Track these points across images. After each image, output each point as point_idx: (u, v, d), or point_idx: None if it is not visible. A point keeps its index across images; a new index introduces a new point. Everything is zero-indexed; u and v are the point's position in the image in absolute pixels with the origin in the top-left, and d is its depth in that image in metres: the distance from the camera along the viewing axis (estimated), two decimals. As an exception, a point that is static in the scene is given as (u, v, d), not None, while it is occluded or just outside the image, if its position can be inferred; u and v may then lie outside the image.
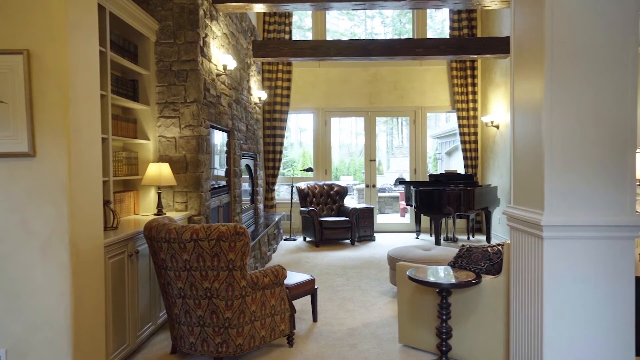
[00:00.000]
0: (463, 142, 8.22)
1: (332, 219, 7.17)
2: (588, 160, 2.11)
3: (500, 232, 7.40)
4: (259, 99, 7.11)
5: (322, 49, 6.86)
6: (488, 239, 7.15)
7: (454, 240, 7.44)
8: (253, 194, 7.11)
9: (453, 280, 2.67)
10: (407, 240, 7.55)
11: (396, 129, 23.76)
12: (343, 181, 10.56)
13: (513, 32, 2.50)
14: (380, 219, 8.79)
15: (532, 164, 2.27)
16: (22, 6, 2.21)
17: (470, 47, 6.84)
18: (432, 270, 2.93)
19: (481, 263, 2.87)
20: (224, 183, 5.32)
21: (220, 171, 5.18)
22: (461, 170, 8.49)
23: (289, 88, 8.06)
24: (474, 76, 8.11)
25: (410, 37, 8.75)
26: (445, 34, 9.09)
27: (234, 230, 2.70)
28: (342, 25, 19.03)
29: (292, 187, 7.87)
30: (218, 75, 4.80)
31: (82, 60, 2.38)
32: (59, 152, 2.21)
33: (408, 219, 8.81)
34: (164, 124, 4.18)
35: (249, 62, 6.62)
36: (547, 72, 2.11)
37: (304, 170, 7.98)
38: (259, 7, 5.07)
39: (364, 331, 3.57)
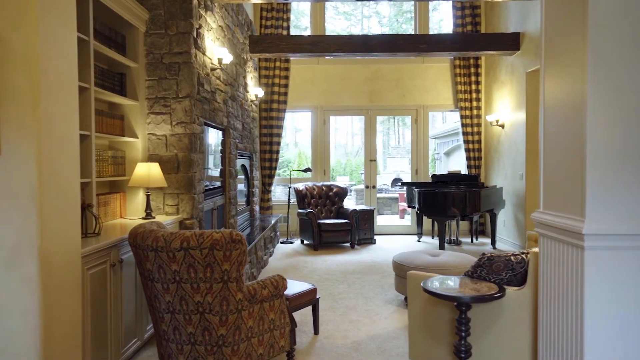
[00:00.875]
0: (466, 141, 7.96)
1: (332, 222, 6.89)
2: (634, 164, 1.85)
3: (504, 235, 7.15)
4: (256, 96, 6.82)
5: (322, 44, 6.59)
6: (493, 242, 6.89)
7: (457, 243, 7.18)
8: (249, 195, 6.81)
9: (474, 293, 2.39)
10: (409, 244, 7.29)
11: (393, 129, 23.56)
12: (340, 182, 10.28)
13: (544, 24, 2.23)
14: (379, 220, 8.52)
15: (569, 167, 2.00)
16: (-14, -18, 1.92)
17: (476, 43, 6.59)
18: (449, 282, 2.65)
19: (502, 273, 2.60)
20: (218, 184, 5.03)
21: (214, 171, 4.89)
22: (463, 170, 8.24)
23: (286, 85, 7.77)
24: (477, 74, 7.85)
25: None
26: (444, 32, 8.83)
27: (229, 237, 2.41)
28: (338, 24, 18.78)
29: (289, 188, 7.59)
30: (213, 69, 4.51)
31: (56, 47, 2.09)
32: (27, 150, 1.91)
33: (409, 220, 8.55)
34: (153, 121, 3.89)
35: (245, 57, 6.33)
36: (591, 69, 1.84)
37: (302, 170, 7.70)
38: (256, -2, 4.80)
39: (369, 345, 3.29)
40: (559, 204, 2.09)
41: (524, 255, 2.56)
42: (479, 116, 7.92)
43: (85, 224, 2.71)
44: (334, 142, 16.78)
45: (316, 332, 3.48)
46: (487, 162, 7.93)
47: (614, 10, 1.83)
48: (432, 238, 7.66)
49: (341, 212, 7.32)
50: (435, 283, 2.61)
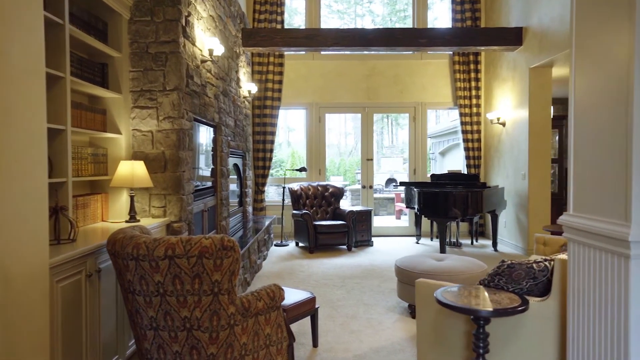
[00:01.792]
0: (465, 140, 7.73)
1: (328, 223, 6.62)
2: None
3: (505, 237, 6.93)
4: (249, 92, 6.53)
5: (318, 38, 6.32)
6: (494, 244, 6.67)
7: (457, 245, 6.94)
8: (241, 195, 6.53)
9: (496, 306, 2.14)
10: (407, 246, 7.04)
11: (386, 129, 23.36)
12: (334, 182, 10.00)
13: (574, 8, 1.98)
14: (375, 221, 8.24)
15: (608, 164, 1.75)
16: None
17: (477, 38, 6.36)
18: (464, 292, 2.40)
19: (523, 282, 2.35)
20: (209, 184, 4.75)
21: (205, 171, 4.60)
22: (462, 170, 8.02)
23: (280, 82, 7.49)
24: (477, 70, 7.63)
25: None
26: (445, 27, 8.59)
27: (220, 244, 2.14)
28: (331, 23, 18.57)
29: (283, 188, 7.31)
30: (203, 61, 4.22)
31: (17, 26, 1.80)
32: (-20, 144, 1.63)
33: (406, 221, 8.30)
34: (138, 116, 3.60)
35: (237, 51, 6.04)
36: (639, 54, 1.60)
37: (297, 170, 7.41)
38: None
39: (373, 359, 3.03)
40: (594, 206, 1.84)
41: (547, 263, 2.32)
42: (478, 114, 7.70)
43: (58, 229, 2.42)
44: (327, 141, 16.55)
45: (315, 344, 3.21)
46: (487, 161, 7.71)
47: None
48: (431, 240, 7.42)
49: (337, 213, 7.06)
50: (450, 294, 2.36)
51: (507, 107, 6.85)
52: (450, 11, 7.67)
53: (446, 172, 7.61)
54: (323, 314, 3.87)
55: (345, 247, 6.80)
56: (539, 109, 6.16)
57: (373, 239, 7.21)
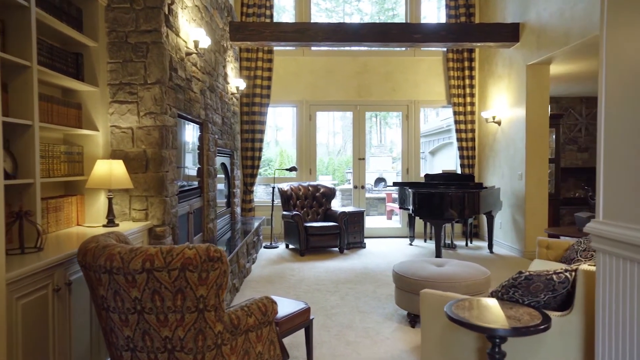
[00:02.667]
0: (459, 139, 7.56)
1: (319, 225, 6.38)
2: None
3: (501, 238, 6.77)
4: (237, 88, 6.25)
5: (309, 32, 6.07)
6: (490, 246, 6.50)
7: (452, 247, 6.76)
8: (229, 196, 6.26)
9: (515, 324, 1.92)
10: (401, 248, 6.84)
11: (375, 128, 23.19)
12: (324, 181, 9.76)
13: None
14: (366, 222, 8.03)
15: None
16: None
17: (473, 34, 6.18)
18: (478, 305, 2.18)
19: (540, 294, 2.14)
20: (195, 184, 4.47)
21: (191, 170, 4.33)
22: (456, 169, 7.85)
23: (269, 78, 7.23)
24: (471, 68, 7.45)
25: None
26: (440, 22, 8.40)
27: (205, 255, 1.88)
28: (320, 21, 18.31)
29: (273, 188, 7.04)
30: (188, 54, 3.95)
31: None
32: None
33: (399, 222, 8.11)
34: (117, 111, 3.32)
35: (225, 45, 5.77)
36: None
37: (287, 169, 7.15)
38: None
39: (373, 374, 2.80)
40: (631, 213, 1.63)
41: (567, 274, 2.11)
42: (472, 112, 7.53)
43: (22, 237, 2.14)
44: (317, 140, 16.32)
45: (310, 359, 2.97)
46: (481, 161, 7.54)
47: None
48: (425, 241, 7.23)
49: (329, 214, 6.82)
50: (461, 308, 2.14)
51: (503, 105, 6.68)
52: (443, 7, 7.48)
53: (441, 172, 7.42)
54: (317, 323, 3.64)
55: (337, 249, 6.57)
56: (536, 108, 6.00)
57: (365, 240, 7.00)
